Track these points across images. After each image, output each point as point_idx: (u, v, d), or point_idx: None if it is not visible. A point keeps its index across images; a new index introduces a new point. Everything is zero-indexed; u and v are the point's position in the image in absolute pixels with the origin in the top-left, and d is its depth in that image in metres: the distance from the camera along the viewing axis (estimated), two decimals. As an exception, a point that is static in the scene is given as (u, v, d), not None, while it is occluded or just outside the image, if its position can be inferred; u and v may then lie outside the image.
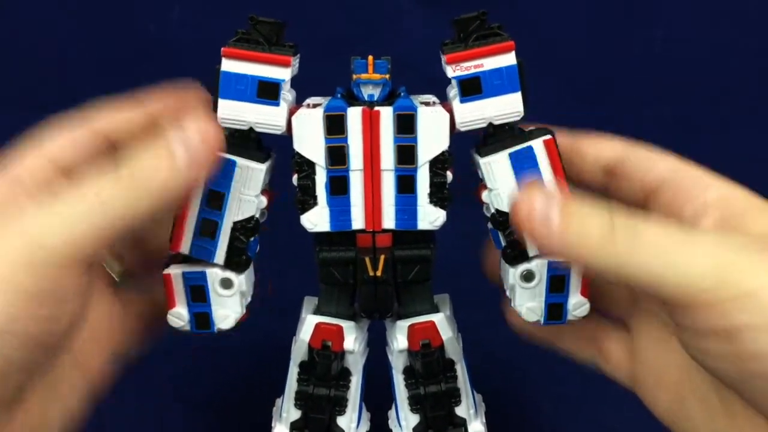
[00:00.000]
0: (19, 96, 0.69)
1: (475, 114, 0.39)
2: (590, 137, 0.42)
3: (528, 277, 0.41)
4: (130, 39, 0.69)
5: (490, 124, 0.39)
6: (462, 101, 0.39)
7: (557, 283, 0.41)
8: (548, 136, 0.39)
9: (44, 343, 0.34)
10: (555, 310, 0.41)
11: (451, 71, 0.38)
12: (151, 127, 0.39)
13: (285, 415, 0.44)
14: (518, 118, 0.39)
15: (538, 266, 0.41)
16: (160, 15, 0.70)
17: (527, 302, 0.41)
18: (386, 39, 0.67)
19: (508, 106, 0.39)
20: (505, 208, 0.40)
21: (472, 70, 0.38)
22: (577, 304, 0.41)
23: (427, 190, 0.39)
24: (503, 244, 0.41)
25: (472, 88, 0.38)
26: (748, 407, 0.35)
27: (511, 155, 0.39)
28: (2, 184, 0.38)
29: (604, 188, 0.43)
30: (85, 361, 0.40)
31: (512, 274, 0.41)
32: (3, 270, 0.33)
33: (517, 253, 0.41)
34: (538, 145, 0.39)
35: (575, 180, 0.42)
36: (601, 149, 0.42)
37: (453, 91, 0.39)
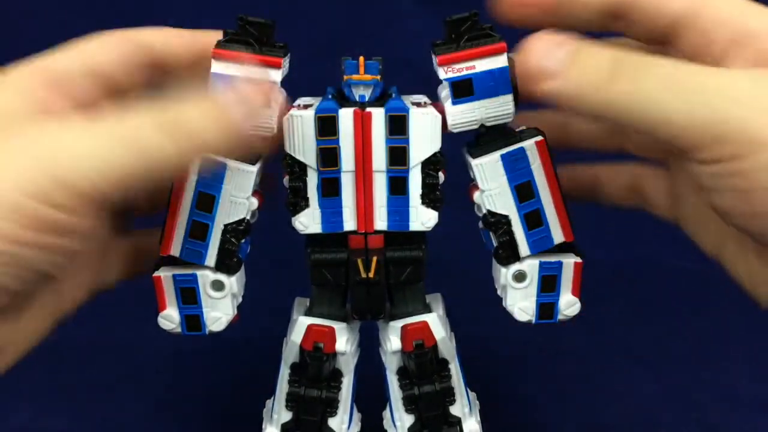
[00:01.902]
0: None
1: (467, 116, 0.39)
2: None
3: (520, 277, 0.41)
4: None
5: (482, 125, 0.39)
6: (454, 103, 0.38)
7: (549, 282, 0.41)
8: (539, 137, 0.39)
9: (35, 270, 0.32)
10: (546, 309, 0.41)
11: (443, 73, 0.38)
12: (202, 60, 0.37)
13: (276, 417, 0.43)
14: (510, 120, 0.39)
15: (529, 267, 0.41)
16: (158, 21, 0.69)
17: (519, 302, 0.41)
18: (387, 38, 0.67)
19: (500, 108, 0.38)
20: (496, 209, 0.40)
21: (464, 72, 0.38)
22: (568, 303, 0.41)
23: (420, 192, 0.39)
24: (495, 244, 0.41)
25: (464, 90, 0.38)
26: None
27: (503, 156, 0.39)
28: (32, 78, 0.35)
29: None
30: (61, 288, 0.38)
31: (504, 275, 0.41)
32: (4, 188, 0.30)
33: (509, 254, 0.40)
34: (529, 145, 0.39)
35: (568, 26, 0.37)
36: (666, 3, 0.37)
37: (444, 92, 0.39)
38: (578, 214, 0.42)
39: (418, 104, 0.39)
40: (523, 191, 0.40)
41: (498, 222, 0.40)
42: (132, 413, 0.56)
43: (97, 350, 0.62)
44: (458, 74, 0.38)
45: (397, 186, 0.39)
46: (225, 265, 0.40)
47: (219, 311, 0.41)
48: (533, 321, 0.42)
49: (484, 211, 0.40)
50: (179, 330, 0.41)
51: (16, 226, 0.30)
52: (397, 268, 0.40)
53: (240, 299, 0.42)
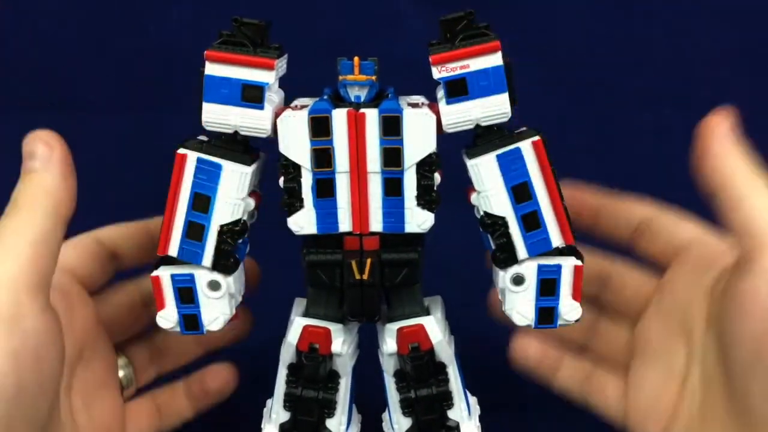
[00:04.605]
0: (19, 96, 0.69)
1: (461, 116, 0.38)
2: (624, 198, 0.47)
3: (518, 280, 0.40)
4: (130, 39, 0.69)
5: (478, 126, 0.39)
6: (448, 102, 0.38)
7: (548, 286, 0.40)
8: (536, 138, 0.39)
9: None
10: (546, 313, 0.41)
11: (437, 72, 0.38)
12: (151, 244, 0.45)
13: (274, 416, 0.44)
14: (505, 119, 0.39)
15: (528, 270, 0.40)
16: (160, 15, 0.70)
17: (518, 306, 0.41)
18: (387, 38, 0.67)
19: (494, 108, 0.38)
20: (492, 211, 0.40)
21: (458, 71, 0.38)
22: (568, 307, 0.41)
23: (415, 193, 0.39)
24: (493, 247, 0.40)
25: (458, 90, 0.38)
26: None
27: (498, 157, 0.39)
28: (16, 282, 0.37)
29: (629, 246, 0.47)
30: None
31: (502, 278, 0.41)
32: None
33: (506, 256, 0.40)
34: (526, 146, 0.39)
35: (604, 236, 0.47)
36: (633, 209, 0.47)
37: (440, 93, 0.39)
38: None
39: (415, 105, 0.39)
40: (520, 192, 0.39)
41: (494, 224, 0.40)
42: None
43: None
44: (452, 73, 0.38)
45: (392, 187, 0.39)
46: (221, 265, 0.40)
47: (217, 311, 0.41)
48: (533, 326, 0.41)
49: (481, 212, 0.40)
50: (178, 329, 0.41)
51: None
52: (392, 270, 0.40)
53: (239, 299, 0.42)
